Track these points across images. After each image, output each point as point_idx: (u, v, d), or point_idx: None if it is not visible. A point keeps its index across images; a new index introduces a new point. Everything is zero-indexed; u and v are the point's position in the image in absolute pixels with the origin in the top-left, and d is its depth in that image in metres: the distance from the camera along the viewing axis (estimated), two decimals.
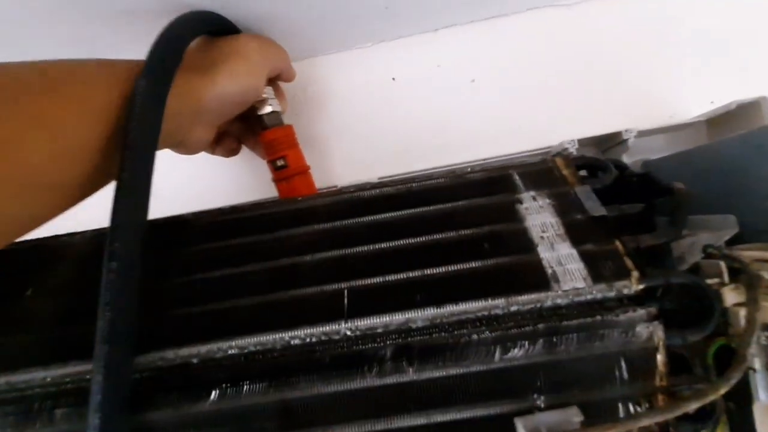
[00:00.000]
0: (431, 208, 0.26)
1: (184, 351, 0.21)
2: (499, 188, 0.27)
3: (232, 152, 0.36)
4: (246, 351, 0.21)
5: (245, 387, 0.20)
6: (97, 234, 0.29)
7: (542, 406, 0.20)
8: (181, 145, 0.29)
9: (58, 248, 0.28)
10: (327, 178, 0.41)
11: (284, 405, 0.20)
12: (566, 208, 0.24)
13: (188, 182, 0.42)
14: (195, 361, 0.21)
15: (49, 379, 0.21)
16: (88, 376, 0.21)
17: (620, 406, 0.21)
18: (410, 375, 0.20)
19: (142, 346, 0.22)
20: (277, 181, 0.35)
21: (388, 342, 0.21)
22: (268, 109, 0.33)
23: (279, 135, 0.34)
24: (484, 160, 0.40)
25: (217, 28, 0.30)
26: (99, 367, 0.19)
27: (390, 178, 0.40)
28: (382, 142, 0.42)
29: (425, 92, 0.42)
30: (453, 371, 0.20)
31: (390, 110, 0.42)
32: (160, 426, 0.21)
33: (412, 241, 0.24)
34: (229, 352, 0.21)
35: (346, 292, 0.22)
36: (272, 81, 0.35)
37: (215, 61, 0.27)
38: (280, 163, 0.34)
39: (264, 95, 0.33)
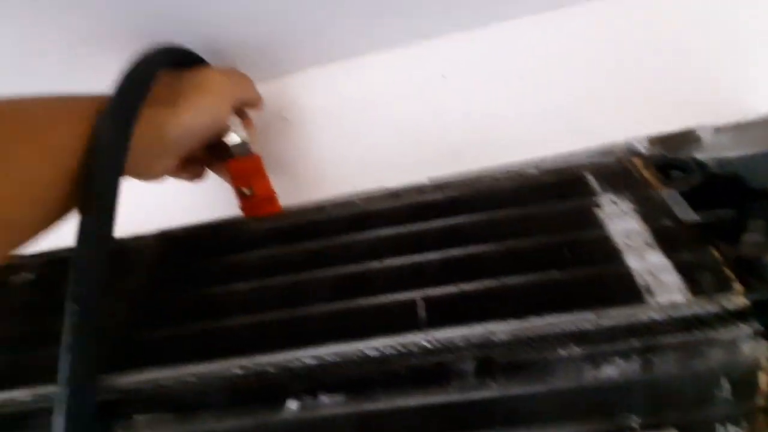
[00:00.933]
0: (499, 212, 0.25)
1: (261, 359, 0.21)
2: (572, 191, 0.25)
3: (197, 177, 0.36)
4: (323, 361, 0.21)
5: (323, 398, 0.20)
6: (160, 237, 0.29)
7: (637, 426, 0.19)
8: (144, 175, 0.29)
9: (125, 251, 0.29)
10: (376, 179, 0.41)
11: (363, 418, 0.20)
12: (652, 214, 0.23)
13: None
14: (271, 370, 0.21)
15: (126, 385, 0.22)
16: (163, 383, 0.22)
17: (719, 426, 0.20)
18: (494, 391, 0.19)
19: (215, 353, 0.22)
20: (242, 208, 0.35)
21: (468, 355, 0.20)
22: (234, 139, 0.33)
23: (245, 165, 0.34)
24: (540, 160, 0.39)
25: (182, 61, 0.30)
26: (61, 407, 0.20)
27: (442, 181, 0.39)
28: (429, 142, 0.41)
29: (477, 90, 0.41)
30: (540, 388, 0.19)
31: (439, 109, 0.41)
32: None
33: (484, 247, 0.23)
34: (306, 361, 0.21)
35: (420, 301, 0.21)
36: (240, 110, 0.35)
37: (179, 95, 0.27)
38: (245, 191, 0.34)
39: (230, 125, 0.33)
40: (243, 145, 0.34)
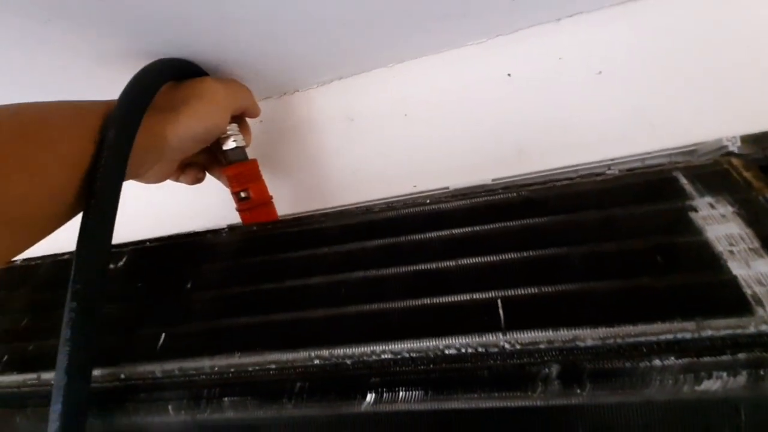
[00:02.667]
0: (579, 214, 0.24)
1: (339, 351, 0.22)
2: (663, 193, 0.24)
3: (197, 181, 0.37)
4: (400, 357, 0.21)
5: (401, 393, 0.20)
6: (244, 231, 0.31)
7: None
8: (145, 177, 0.30)
9: (208, 244, 0.30)
10: (439, 179, 0.40)
11: (441, 417, 0.20)
12: (757, 218, 0.21)
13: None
14: (349, 362, 0.21)
15: (216, 368, 0.23)
16: (249, 368, 0.23)
17: None
18: (580, 399, 0.18)
19: (294, 343, 0.22)
20: (240, 210, 0.36)
21: (552, 360, 0.19)
22: (231, 144, 0.35)
23: (242, 170, 0.35)
24: (611, 160, 0.37)
25: (184, 72, 0.31)
26: (58, 396, 0.21)
27: (507, 181, 0.38)
28: (494, 142, 0.40)
29: (544, 88, 0.39)
30: (631, 399, 0.18)
31: (505, 108, 0.40)
32: (317, 423, 0.21)
33: (565, 249, 0.22)
34: (383, 356, 0.21)
35: (499, 302, 0.21)
36: (238, 117, 0.36)
37: (180, 102, 0.28)
38: (243, 195, 0.35)
39: (228, 131, 0.34)
40: (241, 150, 0.36)
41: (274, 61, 0.39)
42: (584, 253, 0.22)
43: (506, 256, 0.23)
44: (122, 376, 0.24)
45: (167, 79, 0.29)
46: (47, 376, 0.25)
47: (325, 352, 0.22)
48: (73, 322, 0.22)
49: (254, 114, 0.37)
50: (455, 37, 0.40)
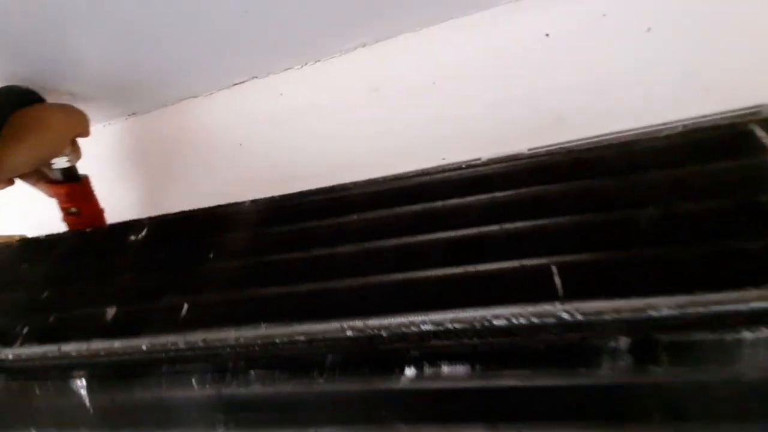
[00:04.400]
0: (646, 174, 0.21)
1: (373, 322, 0.19)
2: (739, 148, 0.20)
3: (7, 184, 0.36)
4: (442, 328, 0.18)
5: (445, 368, 0.18)
6: (267, 201, 0.29)
7: None
8: None
9: (229, 214, 0.29)
10: (471, 148, 0.37)
11: (489, 394, 0.17)
12: None
13: None
14: (384, 334, 0.19)
15: (242, 340, 0.21)
16: (277, 340, 0.21)
17: None
18: (655, 376, 0.16)
19: (325, 314, 0.20)
20: (68, 223, 0.37)
21: (621, 332, 0.16)
22: (65, 164, 0.35)
23: (74, 189, 0.36)
24: (664, 124, 0.33)
25: (26, 101, 0.32)
26: None
27: (545, 150, 0.35)
28: (530, 109, 0.37)
29: (586, 48, 0.36)
30: (716, 377, 0.15)
31: (542, 72, 0.37)
32: (351, 399, 0.19)
33: (632, 211, 0.19)
34: (423, 327, 0.19)
35: (554, 268, 0.18)
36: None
37: (22, 132, 0.29)
38: (73, 210, 0.36)
39: (63, 153, 0.35)
40: (72, 170, 0.36)
41: (299, 24, 0.37)
42: (654, 214, 0.19)
43: (559, 220, 0.20)
44: (144, 347, 0.23)
45: (14, 110, 0.30)
46: (68, 347, 0.24)
47: (359, 323, 0.19)
48: None
49: (86, 136, 0.38)
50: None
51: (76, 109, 0.37)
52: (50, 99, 0.39)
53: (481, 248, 0.20)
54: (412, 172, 0.26)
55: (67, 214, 0.37)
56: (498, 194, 0.22)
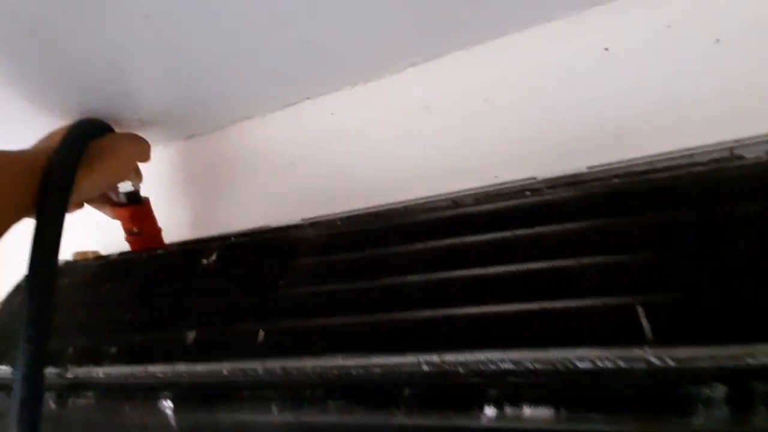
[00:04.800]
0: (735, 205, 0.20)
1: (450, 357, 0.20)
2: None
3: (79, 207, 0.40)
4: (522, 367, 0.18)
5: (527, 410, 0.18)
6: (328, 225, 0.29)
7: None
8: None
9: (293, 240, 0.30)
10: (525, 169, 0.37)
11: None
12: None
13: None
14: (461, 370, 0.19)
15: (319, 369, 0.22)
16: (353, 371, 0.21)
17: None
18: (754, 427, 0.15)
19: (399, 347, 0.21)
20: (129, 240, 0.40)
21: (716, 380, 0.16)
22: (129, 188, 0.39)
23: (136, 211, 0.40)
24: (735, 142, 0.31)
25: (99, 132, 0.36)
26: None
27: (604, 168, 0.34)
28: (588, 126, 0.36)
29: (648, 62, 0.34)
30: None
31: (601, 87, 0.35)
32: None
33: (720, 247, 0.19)
34: (501, 365, 0.19)
35: (640, 308, 0.18)
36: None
37: (94, 159, 0.32)
38: (135, 230, 0.40)
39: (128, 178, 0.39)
40: (135, 194, 0.40)
41: (351, 47, 0.38)
42: (750, 252, 0.18)
43: (641, 254, 0.19)
44: (224, 371, 0.24)
45: (91, 140, 0.33)
46: (153, 369, 0.26)
47: (435, 358, 0.20)
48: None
49: (147, 162, 0.42)
50: (543, 11, 0.36)
51: (141, 137, 0.40)
52: (117, 126, 0.43)
53: (558, 283, 0.20)
54: (471, 197, 0.26)
55: (130, 234, 0.40)
56: (570, 225, 0.22)
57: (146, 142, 0.41)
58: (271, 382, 0.23)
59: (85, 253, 0.48)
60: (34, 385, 0.26)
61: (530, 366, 0.18)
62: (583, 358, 0.18)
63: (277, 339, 0.24)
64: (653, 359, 0.17)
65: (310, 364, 0.22)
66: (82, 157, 0.31)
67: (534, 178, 0.36)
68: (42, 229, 0.27)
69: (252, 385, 0.23)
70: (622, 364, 0.17)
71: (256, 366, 0.23)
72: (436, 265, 0.23)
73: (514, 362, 0.18)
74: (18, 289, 0.40)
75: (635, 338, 0.17)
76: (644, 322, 0.17)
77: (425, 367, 0.20)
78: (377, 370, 0.21)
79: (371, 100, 0.43)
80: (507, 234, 0.23)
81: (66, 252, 0.37)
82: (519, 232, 0.23)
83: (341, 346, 0.22)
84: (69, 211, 0.36)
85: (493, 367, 0.19)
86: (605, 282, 0.19)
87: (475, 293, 0.21)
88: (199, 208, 0.51)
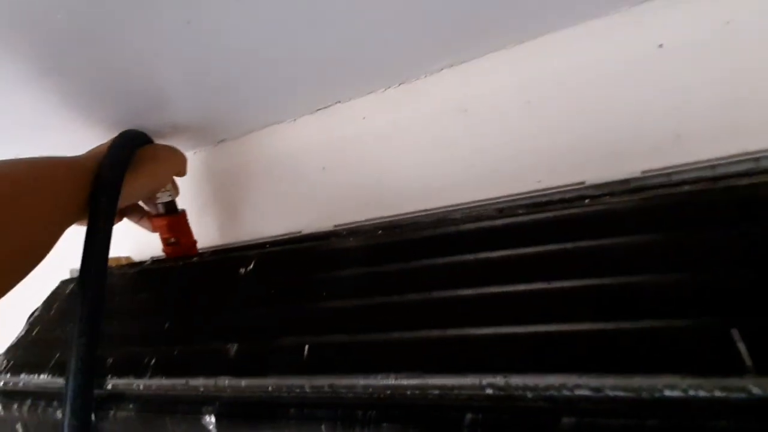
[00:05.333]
0: None
1: (516, 380, 0.18)
2: None
3: (118, 220, 0.41)
4: (601, 394, 0.17)
5: None
6: (369, 235, 0.28)
7: None
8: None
9: (333, 250, 0.29)
10: (574, 173, 0.35)
11: None
12: None
13: None
14: (529, 395, 0.18)
15: (370, 389, 0.21)
16: (408, 392, 0.20)
17: None
18: None
19: (458, 367, 0.19)
20: (165, 250, 0.41)
21: None
22: (167, 198, 0.41)
23: (173, 221, 0.41)
24: None
25: (141, 141, 0.38)
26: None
27: (660, 172, 0.32)
28: (644, 127, 0.34)
29: (706, 59, 0.32)
30: None
31: (656, 86, 0.33)
32: None
33: None
34: (577, 392, 0.17)
35: (735, 331, 0.16)
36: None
37: (138, 164, 0.34)
38: (172, 240, 0.41)
39: (165, 188, 0.41)
40: (172, 203, 0.42)
41: (383, 49, 0.36)
42: None
43: (726, 271, 0.18)
44: (270, 388, 0.23)
45: (137, 147, 0.35)
46: (195, 382, 0.25)
47: (499, 380, 0.18)
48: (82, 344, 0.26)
49: (183, 175, 0.43)
50: (590, 7, 0.34)
51: (178, 150, 0.42)
52: (150, 134, 0.43)
53: (634, 301, 0.18)
54: (517, 204, 0.25)
55: (167, 244, 0.42)
56: (640, 237, 0.20)
57: (183, 154, 0.42)
58: (319, 400, 0.22)
59: (118, 260, 0.48)
60: (85, 398, 0.26)
61: (610, 393, 0.17)
62: (673, 386, 0.16)
63: (323, 354, 0.23)
64: (755, 390, 0.15)
65: (361, 382, 0.21)
66: (129, 163, 0.32)
67: (582, 183, 0.34)
68: (94, 229, 0.28)
69: (299, 403, 0.22)
70: (718, 394, 0.15)
71: (303, 383, 0.22)
72: (489, 278, 0.22)
73: (593, 389, 0.17)
74: (55, 295, 0.40)
75: (732, 366, 0.15)
76: (741, 347, 0.16)
77: (488, 390, 0.18)
78: (434, 391, 0.19)
79: (406, 103, 0.42)
80: (568, 246, 0.21)
81: None
82: (582, 244, 0.21)
83: (394, 365, 0.21)
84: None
85: (567, 393, 0.17)
86: (688, 301, 0.17)
87: (542, 310, 0.20)
88: (230, 213, 0.50)
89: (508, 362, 0.19)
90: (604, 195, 0.24)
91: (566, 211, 0.23)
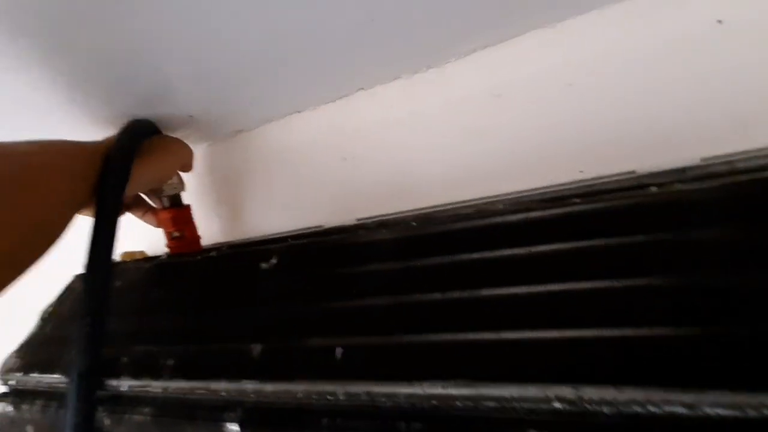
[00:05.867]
0: None
1: (590, 392, 0.16)
2: None
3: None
4: (700, 413, 0.14)
5: None
6: (402, 227, 0.26)
7: None
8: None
9: (364, 242, 0.26)
10: (615, 162, 0.32)
11: None
12: None
13: None
14: (606, 410, 0.15)
15: (414, 399, 0.18)
16: (458, 403, 0.18)
17: None
18: None
19: (517, 375, 0.17)
20: (170, 245, 0.40)
21: None
22: (172, 191, 0.40)
23: (178, 214, 0.40)
24: None
25: (149, 130, 0.37)
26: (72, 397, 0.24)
27: (725, 160, 0.29)
28: (702, 111, 0.31)
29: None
30: None
31: (716, 66, 0.30)
32: None
33: None
34: (667, 408, 0.14)
35: None
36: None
37: (146, 153, 0.33)
38: (176, 234, 0.40)
39: (172, 180, 0.40)
40: (178, 198, 0.41)
41: (411, 32, 0.34)
42: None
43: None
44: (299, 394, 0.21)
45: (145, 138, 0.35)
46: (216, 386, 0.23)
47: (568, 392, 0.16)
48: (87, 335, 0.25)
49: (189, 170, 0.43)
50: None
51: (186, 143, 0.41)
52: (167, 125, 0.42)
53: (726, 304, 0.16)
54: (570, 189, 0.22)
55: (171, 239, 0.40)
56: (725, 229, 0.18)
57: (190, 148, 0.41)
58: (355, 409, 0.19)
59: (132, 254, 0.46)
60: (87, 399, 0.25)
61: (709, 411, 0.14)
62: (746, 405, 0.13)
63: (358, 358, 0.20)
64: None
65: (403, 391, 0.18)
66: (137, 150, 0.31)
67: (632, 173, 0.31)
68: (102, 215, 0.28)
69: (331, 412, 0.20)
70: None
71: (336, 389, 0.20)
72: (546, 274, 0.19)
73: (686, 405, 0.14)
74: (68, 290, 0.38)
75: None
76: None
77: (555, 404, 0.16)
78: (490, 403, 0.17)
79: (433, 89, 0.39)
80: (639, 238, 0.19)
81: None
82: (657, 236, 0.19)
83: (441, 372, 0.18)
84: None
85: (654, 409, 0.15)
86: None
87: (612, 311, 0.17)
88: (247, 206, 0.48)
89: (578, 371, 0.16)
90: (673, 182, 0.21)
91: (631, 201, 0.20)
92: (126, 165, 0.30)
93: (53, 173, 0.26)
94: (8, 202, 0.24)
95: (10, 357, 0.33)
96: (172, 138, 0.40)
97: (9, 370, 0.32)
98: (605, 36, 0.32)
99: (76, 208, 0.27)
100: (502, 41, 0.36)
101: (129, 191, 0.31)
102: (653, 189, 0.21)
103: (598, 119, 0.33)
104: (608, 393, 0.15)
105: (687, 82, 0.31)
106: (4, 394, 0.32)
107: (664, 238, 0.18)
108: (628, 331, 0.16)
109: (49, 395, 0.30)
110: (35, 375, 0.31)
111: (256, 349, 0.23)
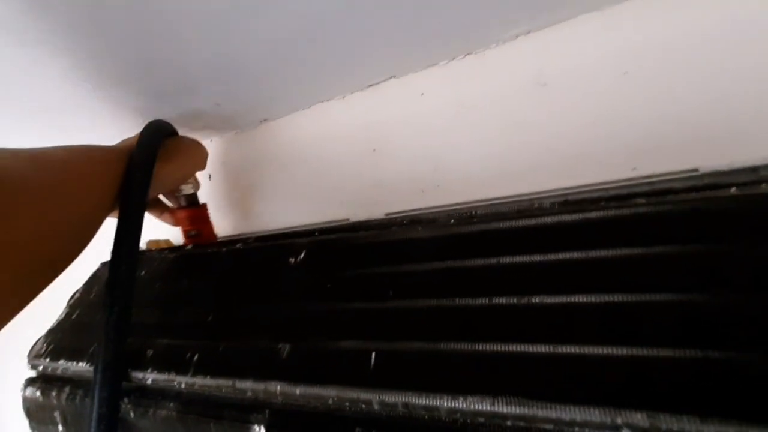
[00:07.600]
0: None
1: (667, 422, 0.14)
2: None
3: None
4: None
5: None
6: (443, 225, 0.24)
7: None
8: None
9: (398, 242, 0.25)
10: (666, 159, 0.30)
11: None
12: None
13: None
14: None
15: (458, 414, 0.17)
16: (509, 422, 0.16)
17: None
18: None
19: (580, 395, 0.15)
20: (187, 243, 0.41)
21: None
22: (190, 191, 0.41)
23: (195, 213, 0.42)
24: None
25: (168, 131, 0.38)
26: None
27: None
28: (745, 107, 0.28)
29: None
30: None
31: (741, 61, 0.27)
32: None
33: None
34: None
35: None
36: None
37: (167, 155, 0.35)
38: (194, 233, 0.42)
39: (189, 180, 0.41)
40: (194, 197, 0.43)
41: (447, 15, 0.32)
42: None
43: None
44: (330, 401, 0.20)
45: (165, 138, 0.35)
46: (242, 385, 0.22)
47: (641, 419, 0.14)
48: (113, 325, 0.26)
49: (203, 169, 0.43)
50: None
51: (201, 143, 0.42)
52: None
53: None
54: (613, 190, 0.20)
55: (188, 237, 0.42)
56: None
57: (205, 148, 0.42)
58: (391, 420, 0.18)
59: (158, 242, 0.46)
60: (112, 389, 0.25)
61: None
62: None
63: (395, 365, 0.19)
64: None
65: (446, 405, 0.17)
66: (158, 151, 0.32)
67: (695, 171, 0.28)
68: (126, 213, 0.28)
69: (365, 421, 0.18)
70: None
71: (371, 397, 0.18)
72: (609, 283, 0.17)
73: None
74: (95, 278, 0.38)
75: None
76: None
77: (626, 431, 0.14)
78: (546, 426, 0.15)
79: (472, 77, 0.37)
80: (725, 246, 0.16)
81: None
82: (748, 242, 0.16)
83: (489, 385, 0.17)
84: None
85: None
86: None
87: (690, 328, 0.15)
88: (272, 197, 0.48)
89: (653, 395, 0.14)
90: (755, 183, 0.18)
91: (711, 204, 0.18)
92: (148, 168, 0.31)
93: (89, 180, 0.27)
94: (52, 210, 0.24)
95: (39, 342, 0.34)
96: (189, 139, 0.41)
97: (37, 355, 0.32)
98: (665, 19, 0.29)
99: (107, 213, 0.28)
100: (549, 25, 0.33)
101: (151, 193, 0.32)
102: (733, 190, 0.18)
103: (655, 111, 0.30)
104: (691, 425, 0.13)
105: (758, 69, 0.28)
106: (33, 379, 0.32)
107: (755, 246, 0.16)
108: (715, 354, 0.14)
109: (76, 383, 0.30)
110: (62, 362, 0.31)
111: (285, 348, 0.22)
